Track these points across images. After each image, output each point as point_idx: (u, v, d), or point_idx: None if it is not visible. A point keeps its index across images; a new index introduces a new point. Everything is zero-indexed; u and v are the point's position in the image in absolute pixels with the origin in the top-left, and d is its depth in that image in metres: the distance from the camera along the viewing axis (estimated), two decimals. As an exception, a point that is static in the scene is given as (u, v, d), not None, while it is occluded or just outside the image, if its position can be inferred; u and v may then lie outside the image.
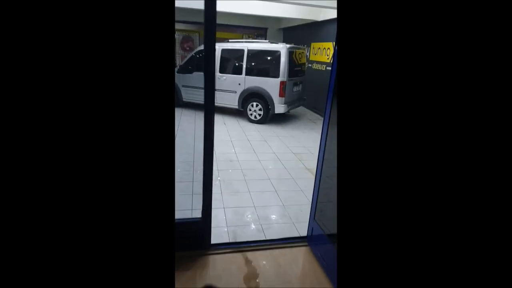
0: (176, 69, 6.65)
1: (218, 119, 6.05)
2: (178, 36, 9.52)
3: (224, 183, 3.16)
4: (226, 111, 6.63)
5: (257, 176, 3.41)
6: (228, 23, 9.24)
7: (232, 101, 6.10)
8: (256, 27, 9.64)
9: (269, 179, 3.35)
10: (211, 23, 1.60)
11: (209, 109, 1.80)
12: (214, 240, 2.10)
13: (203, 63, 1.76)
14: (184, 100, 6.75)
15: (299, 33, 8.14)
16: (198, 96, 6.47)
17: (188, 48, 9.56)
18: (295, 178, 3.41)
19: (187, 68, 6.49)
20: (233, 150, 4.22)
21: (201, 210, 1.95)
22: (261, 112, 5.84)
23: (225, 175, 3.36)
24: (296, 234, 2.32)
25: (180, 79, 6.60)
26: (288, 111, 5.99)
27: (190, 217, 2.06)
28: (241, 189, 3.06)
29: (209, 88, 1.75)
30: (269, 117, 5.92)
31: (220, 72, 6.08)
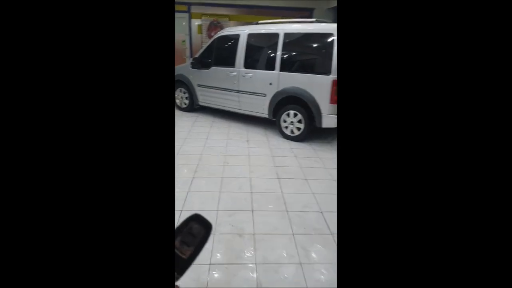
0: (189, 63, 5.06)
1: (240, 133, 4.34)
2: (204, 22, 7.95)
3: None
4: (252, 119, 4.91)
5: (284, 283, 1.67)
6: (262, 4, 7.47)
7: (259, 107, 4.36)
8: (299, 7, 7.71)
9: (310, 300, 1.59)
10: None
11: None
12: None
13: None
14: (200, 103, 5.16)
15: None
16: (218, 99, 4.83)
17: (216, 36, 8.00)
18: None
19: (203, 62, 4.86)
20: (250, 205, 2.48)
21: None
22: (301, 126, 4.02)
23: (219, 278, 1.67)
24: None
25: (194, 76, 5.01)
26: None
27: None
28: None
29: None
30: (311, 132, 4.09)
31: (245, 67, 4.35)
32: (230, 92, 4.56)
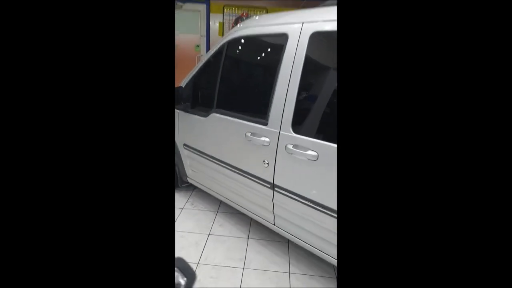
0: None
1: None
2: (229, 17, 5.31)
3: None
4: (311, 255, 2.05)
5: None
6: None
7: (329, 241, 1.51)
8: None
9: None
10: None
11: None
12: None
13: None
14: (189, 180, 2.43)
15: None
16: (223, 188, 2.05)
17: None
18: None
19: (197, 97, 2.14)
20: None
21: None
22: None
23: None
24: None
25: (179, 124, 2.30)
26: None
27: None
28: None
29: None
30: None
31: (296, 127, 1.53)
32: (254, 183, 1.78)
